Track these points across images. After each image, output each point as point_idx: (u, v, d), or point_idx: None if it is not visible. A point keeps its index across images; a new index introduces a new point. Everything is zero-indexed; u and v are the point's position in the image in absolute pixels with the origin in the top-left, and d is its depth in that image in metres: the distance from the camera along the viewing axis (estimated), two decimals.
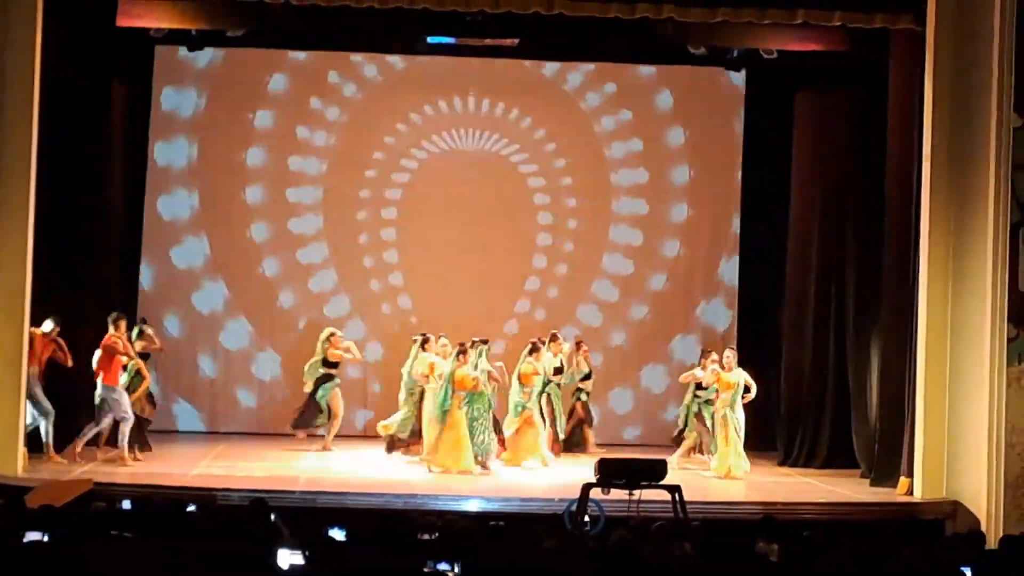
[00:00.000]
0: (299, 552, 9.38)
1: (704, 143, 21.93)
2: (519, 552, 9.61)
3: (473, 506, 15.29)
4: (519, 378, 18.68)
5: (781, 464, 19.47)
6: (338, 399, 19.31)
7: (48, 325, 17.26)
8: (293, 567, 9.26)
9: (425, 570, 9.17)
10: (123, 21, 17.98)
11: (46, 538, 9.62)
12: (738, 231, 21.81)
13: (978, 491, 16.00)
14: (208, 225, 21.45)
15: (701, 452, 19.07)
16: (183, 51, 20.75)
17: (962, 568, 9.82)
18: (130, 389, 17.53)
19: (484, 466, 17.85)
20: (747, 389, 18.14)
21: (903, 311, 17.37)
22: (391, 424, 19.03)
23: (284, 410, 20.33)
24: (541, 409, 18.89)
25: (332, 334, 19.35)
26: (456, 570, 9.19)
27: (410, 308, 21.70)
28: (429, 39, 20.35)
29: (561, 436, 19.68)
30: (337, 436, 19.30)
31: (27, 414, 16.82)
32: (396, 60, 21.62)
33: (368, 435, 20.60)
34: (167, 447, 18.61)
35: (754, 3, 16.86)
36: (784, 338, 20.18)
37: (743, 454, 17.93)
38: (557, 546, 9.83)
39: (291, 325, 21.50)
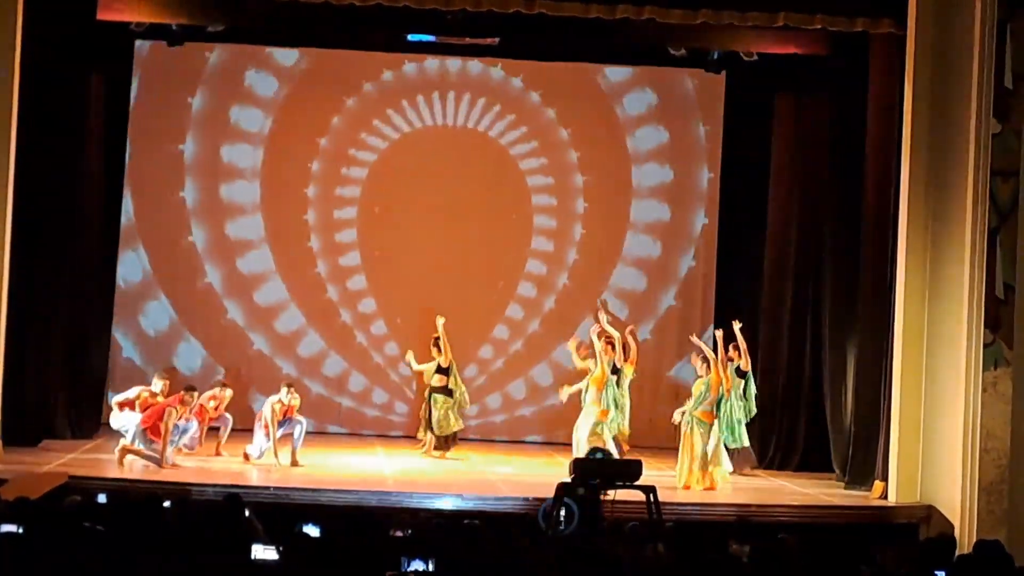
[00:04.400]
0: (273, 548, 9.37)
1: (682, 144, 21.90)
2: (493, 551, 9.60)
3: (447, 504, 15.29)
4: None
5: (756, 466, 19.48)
6: None
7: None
8: (267, 563, 9.25)
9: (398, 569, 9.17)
10: (104, 15, 17.96)
11: (20, 530, 9.59)
12: (715, 233, 21.79)
13: (953, 495, 16.03)
14: (187, 221, 21.39)
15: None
16: (163, 46, 20.68)
17: (935, 572, 9.84)
18: None
19: None
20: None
21: (880, 314, 17.40)
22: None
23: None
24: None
25: None
26: (430, 568, 9.18)
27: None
28: (409, 37, 20.31)
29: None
30: (315, 434, 19.15)
31: None
32: (377, 58, 21.56)
33: (342, 434, 20.60)
34: None
35: (735, 5, 16.88)
36: (761, 340, 20.15)
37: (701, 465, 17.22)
38: (531, 545, 9.83)
39: (272, 315, 21.47)
